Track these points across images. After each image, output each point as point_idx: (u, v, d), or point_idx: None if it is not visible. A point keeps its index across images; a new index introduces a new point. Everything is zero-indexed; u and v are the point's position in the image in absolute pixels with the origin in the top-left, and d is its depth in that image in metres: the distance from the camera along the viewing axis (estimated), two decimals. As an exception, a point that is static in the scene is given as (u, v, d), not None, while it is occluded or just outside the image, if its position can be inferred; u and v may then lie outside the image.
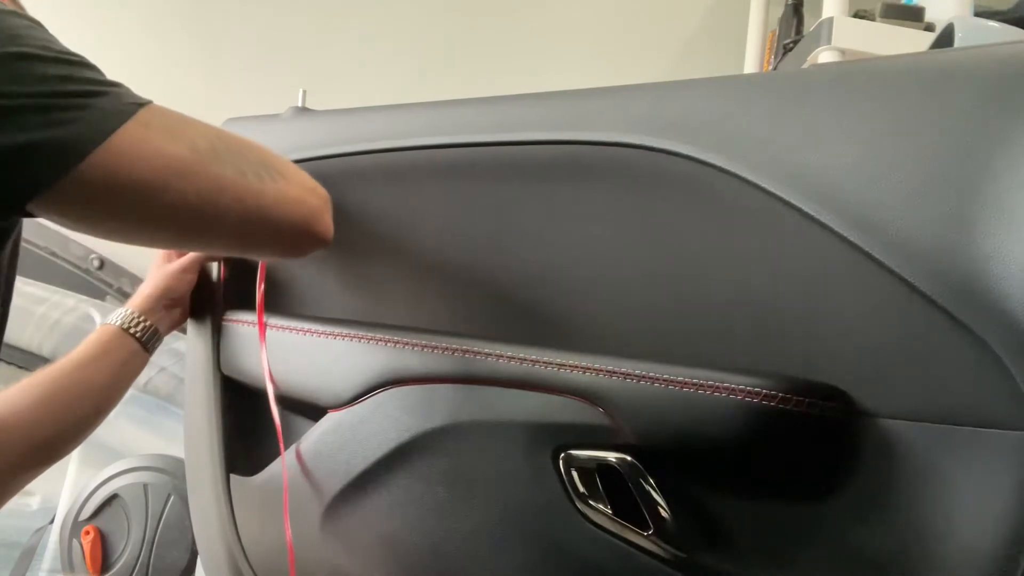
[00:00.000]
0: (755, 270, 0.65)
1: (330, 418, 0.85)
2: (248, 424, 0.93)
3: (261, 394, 0.92)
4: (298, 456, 0.87)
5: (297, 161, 0.83)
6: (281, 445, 0.87)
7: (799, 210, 0.60)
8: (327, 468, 0.84)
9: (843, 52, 1.28)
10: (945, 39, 1.12)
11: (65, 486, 1.57)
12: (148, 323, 0.89)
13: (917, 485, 0.57)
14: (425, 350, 0.77)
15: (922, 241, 0.55)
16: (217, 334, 0.97)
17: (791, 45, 1.51)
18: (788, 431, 0.60)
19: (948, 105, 0.57)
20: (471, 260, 0.83)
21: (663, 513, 0.64)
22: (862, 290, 0.58)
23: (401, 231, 0.87)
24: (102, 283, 1.80)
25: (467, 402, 0.74)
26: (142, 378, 1.52)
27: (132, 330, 0.88)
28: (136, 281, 1.77)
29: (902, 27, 1.29)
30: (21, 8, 0.75)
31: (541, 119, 0.75)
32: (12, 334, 1.63)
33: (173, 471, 1.37)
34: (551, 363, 0.69)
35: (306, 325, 0.87)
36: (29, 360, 1.57)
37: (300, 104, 0.97)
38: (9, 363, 1.61)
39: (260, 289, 0.91)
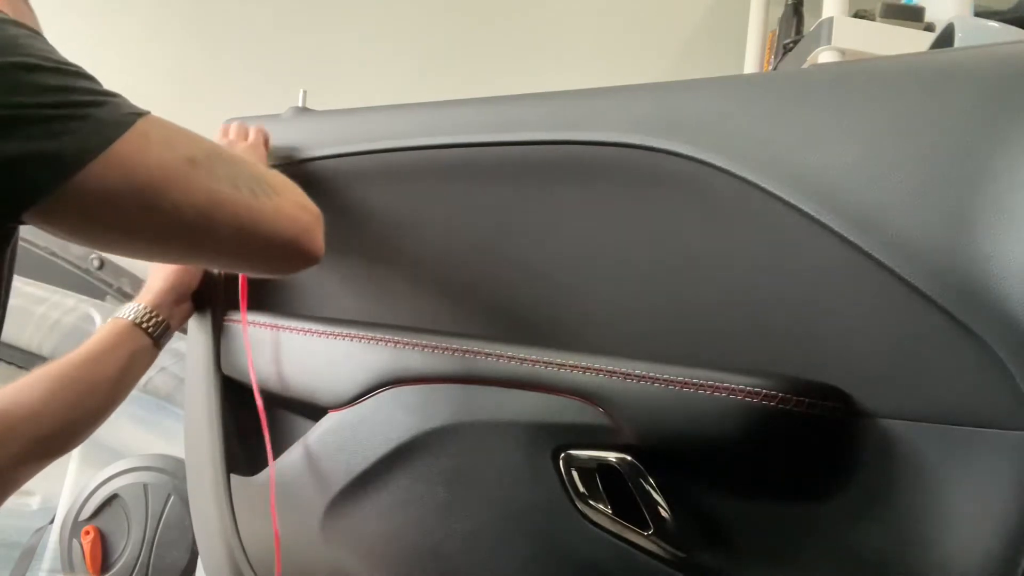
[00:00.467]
0: (755, 270, 0.65)
1: (330, 418, 0.85)
2: (248, 424, 0.93)
3: (262, 393, 0.92)
4: (299, 456, 0.87)
5: (297, 161, 0.83)
6: (268, 444, 0.87)
7: (799, 210, 0.60)
8: (327, 468, 0.84)
9: (843, 52, 1.28)
10: (945, 39, 1.12)
11: (65, 486, 1.58)
12: (160, 318, 0.89)
13: (917, 485, 0.57)
14: (425, 350, 0.77)
15: (922, 241, 0.55)
16: (217, 334, 0.97)
17: (791, 45, 1.51)
18: (788, 431, 0.60)
19: (948, 105, 0.57)
20: (471, 260, 0.83)
21: (663, 513, 0.64)
22: (862, 290, 0.58)
23: (401, 231, 0.87)
24: (102, 283, 1.79)
25: (467, 402, 0.74)
26: (142, 378, 1.52)
27: (144, 325, 0.87)
28: (136, 281, 1.77)
29: (902, 27, 1.29)
30: (31, 12, 0.75)
31: (541, 119, 0.75)
32: (12, 334, 1.63)
33: (173, 471, 1.37)
34: (551, 363, 0.69)
35: (307, 325, 0.87)
36: (29, 360, 1.57)
37: (300, 104, 0.97)
38: (9, 363, 1.61)
39: (243, 286, 0.92)
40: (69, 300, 1.68)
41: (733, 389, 0.60)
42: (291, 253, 0.65)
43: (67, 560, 1.35)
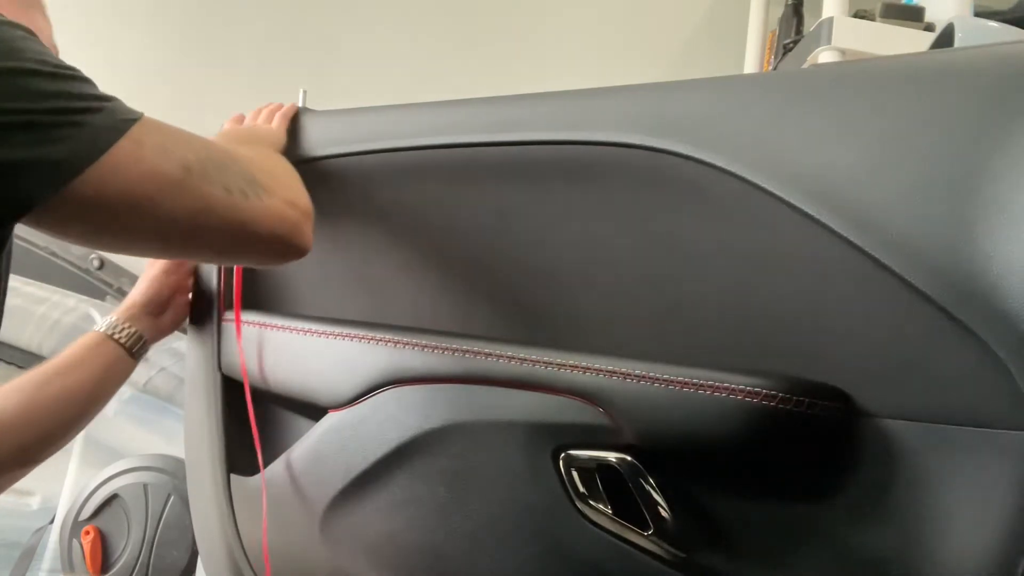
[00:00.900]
0: (755, 270, 0.65)
1: (331, 418, 0.85)
2: (248, 424, 0.93)
3: (262, 394, 0.92)
4: (299, 456, 0.87)
5: (298, 162, 0.83)
6: (257, 446, 0.87)
7: (799, 210, 0.60)
8: (328, 468, 0.84)
9: (843, 52, 1.28)
10: (945, 39, 1.12)
11: (65, 486, 1.58)
12: (133, 329, 0.90)
13: (917, 485, 0.57)
14: (426, 350, 0.77)
15: (922, 241, 0.55)
16: (217, 334, 0.97)
17: (791, 45, 1.51)
18: (788, 431, 0.60)
19: (948, 105, 0.57)
20: (472, 259, 0.83)
21: (663, 513, 0.64)
22: (862, 290, 0.58)
23: (401, 231, 0.87)
24: (102, 283, 1.80)
25: (468, 402, 0.74)
26: (142, 378, 1.52)
27: (116, 336, 0.88)
28: (136, 281, 1.77)
29: (902, 27, 1.29)
30: (48, 25, 0.75)
31: (541, 119, 0.75)
32: (12, 334, 1.63)
33: (173, 471, 1.37)
34: (551, 363, 0.69)
35: (307, 325, 0.87)
36: (29, 360, 1.57)
37: (300, 104, 0.97)
38: (9, 363, 1.61)
39: (237, 284, 0.93)
40: (69, 300, 1.68)
41: (733, 389, 0.60)
42: (280, 249, 0.66)
43: (67, 560, 1.35)
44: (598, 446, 0.67)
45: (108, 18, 2.03)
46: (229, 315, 0.95)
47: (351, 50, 2.16)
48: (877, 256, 0.56)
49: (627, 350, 0.68)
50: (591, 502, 0.67)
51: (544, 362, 0.69)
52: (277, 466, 0.89)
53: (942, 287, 0.54)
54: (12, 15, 0.64)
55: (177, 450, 1.37)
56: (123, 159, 0.54)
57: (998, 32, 1.10)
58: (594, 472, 0.67)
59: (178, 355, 1.52)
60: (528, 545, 0.71)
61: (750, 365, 0.63)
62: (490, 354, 0.72)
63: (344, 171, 0.87)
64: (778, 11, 1.75)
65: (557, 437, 0.69)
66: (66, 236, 0.59)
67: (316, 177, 0.79)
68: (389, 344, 0.79)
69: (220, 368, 0.96)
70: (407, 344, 0.78)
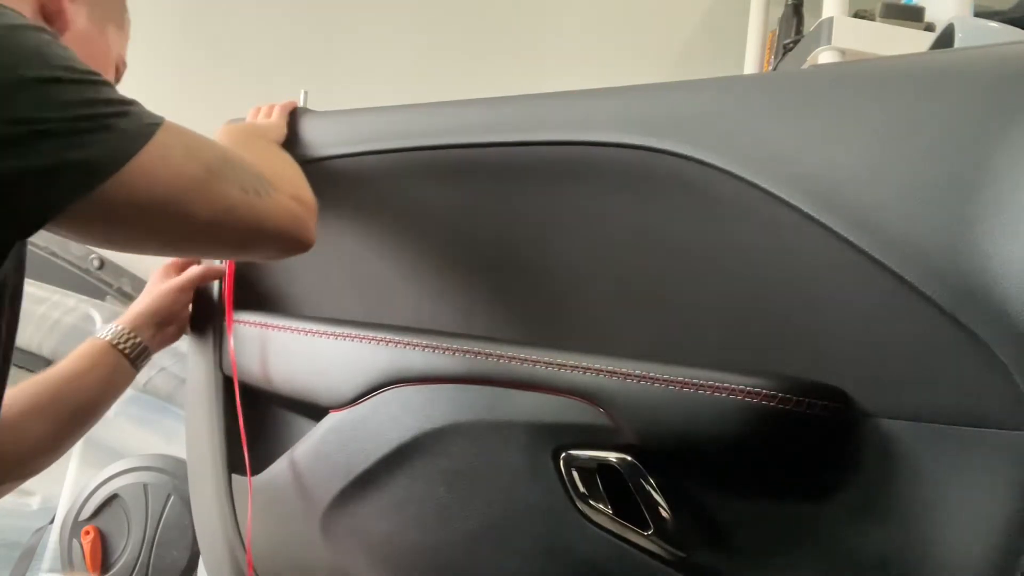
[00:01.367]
0: (755, 271, 0.65)
1: (332, 418, 0.85)
2: (250, 424, 0.93)
3: (263, 394, 0.92)
4: (300, 456, 0.87)
5: (299, 163, 0.83)
6: (245, 447, 0.87)
7: (799, 210, 0.60)
8: (328, 468, 0.84)
9: (843, 52, 1.28)
10: (945, 39, 1.12)
11: (65, 486, 1.58)
12: (138, 340, 0.90)
13: (917, 485, 0.57)
14: (427, 350, 0.77)
15: (922, 241, 0.55)
16: (218, 335, 0.97)
17: (791, 45, 1.51)
18: (788, 431, 0.60)
19: (948, 105, 0.57)
20: (472, 260, 0.83)
21: (663, 513, 0.64)
22: (862, 290, 0.58)
23: (401, 232, 0.87)
24: (102, 283, 1.79)
25: (468, 402, 0.74)
26: (142, 378, 1.52)
27: (121, 346, 0.89)
28: (136, 281, 1.77)
29: (902, 27, 1.29)
30: (120, 22, 0.76)
31: (542, 120, 0.75)
32: (12, 334, 1.63)
33: (173, 471, 1.37)
34: (551, 363, 0.69)
35: (308, 325, 0.87)
36: (29, 360, 1.57)
37: (301, 104, 0.97)
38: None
39: (228, 286, 0.93)
40: (69, 300, 1.68)
41: (733, 389, 0.60)
42: (287, 244, 0.68)
43: (67, 560, 1.34)
44: (598, 446, 0.67)
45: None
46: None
47: (351, 50, 2.16)
48: (877, 256, 0.56)
49: (627, 350, 0.68)
50: (591, 502, 0.67)
51: (544, 362, 0.69)
52: (279, 466, 0.89)
53: (942, 287, 0.54)
54: (83, 28, 0.68)
55: (177, 450, 1.37)
56: (151, 162, 0.55)
57: (998, 32, 1.10)
58: (594, 472, 0.67)
59: (178, 355, 1.52)
60: (528, 545, 0.71)
61: (750, 365, 0.63)
62: (491, 354, 0.72)
63: (344, 172, 0.87)
64: (778, 11, 1.75)
65: (557, 437, 0.69)
66: (87, 238, 0.61)
67: (317, 178, 0.79)
68: (390, 344, 0.79)
69: (221, 368, 0.96)
70: (408, 344, 0.78)
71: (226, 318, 0.95)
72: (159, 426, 1.64)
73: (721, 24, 2.16)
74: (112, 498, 1.36)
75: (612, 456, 0.66)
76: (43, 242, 1.75)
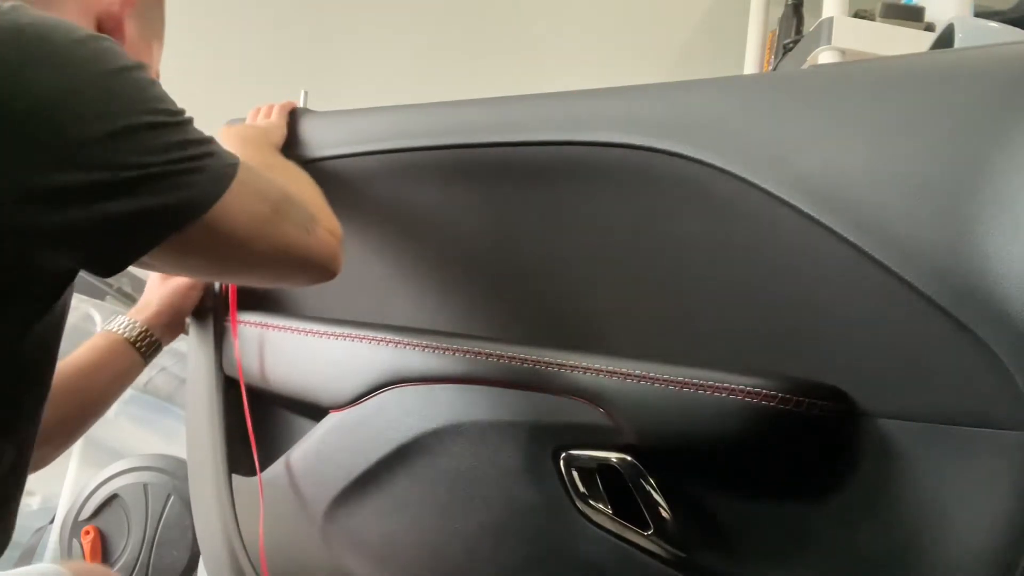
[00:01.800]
0: (755, 270, 0.65)
1: (332, 418, 0.85)
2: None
3: (263, 394, 0.92)
4: (300, 456, 0.87)
5: (301, 163, 0.83)
6: (254, 448, 0.87)
7: (799, 210, 0.60)
8: (329, 468, 0.84)
9: (843, 52, 1.28)
10: (945, 39, 1.12)
11: (65, 486, 1.57)
12: (153, 337, 0.91)
13: (916, 485, 0.57)
14: (427, 350, 0.77)
15: (922, 241, 0.55)
16: (219, 335, 0.97)
17: (791, 45, 1.51)
18: (788, 431, 0.60)
19: (948, 106, 0.57)
20: (472, 260, 0.83)
21: (663, 513, 0.64)
22: (862, 290, 0.58)
23: (401, 232, 0.87)
24: (102, 283, 1.79)
25: (468, 402, 0.74)
26: (142, 378, 1.52)
27: (137, 343, 0.90)
28: (136, 281, 1.77)
29: (902, 27, 1.29)
30: (161, 36, 0.78)
31: (542, 120, 0.75)
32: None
33: (173, 471, 1.37)
34: (551, 363, 0.69)
35: (308, 326, 0.87)
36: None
37: (302, 104, 0.97)
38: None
39: (232, 287, 0.94)
40: (69, 300, 1.68)
41: (733, 389, 0.60)
42: (321, 276, 0.70)
43: (68, 559, 1.34)
44: (598, 446, 0.67)
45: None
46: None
47: (351, 50, 2.16)
48: (877, 256, 0.56)
49: (627, 350, 0.68)
50: (591, 502, 0.67)
51: (545, 362, 0.69)
52: (279, 466, 0.89)
53: (942, 287, 0.54)
54: (136, 44, 0.70)
55: (177, 450, 1.37)
56: (233, 201, 0.58)
57: (998, 32, 1.10)
58: (594, 472, 0.67)
59: (178, 355, 1.52)
60: (529, 545, 0.71)
61: (750, 365, 0.63)
62: (491, 354, 0.72)
63: (345, 172, 0.87)
64: (778, 11, 1.76)
65: (558, 437, 0.69)
66: (155, 267, 0.63)
67: (317, 178, 0.79)
68: (390, 344, 0.79)
69: (222, 369, 0.96)
70: (408, 344, 0.78)
71: (229, 318, 0.96)
72: (159, 426, 1.64)
73: (721, 24, 2.16)
74: (112, 498, 1.35)
75: (612, 456, 0.66)
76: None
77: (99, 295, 1.78)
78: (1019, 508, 0.52)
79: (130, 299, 1.70)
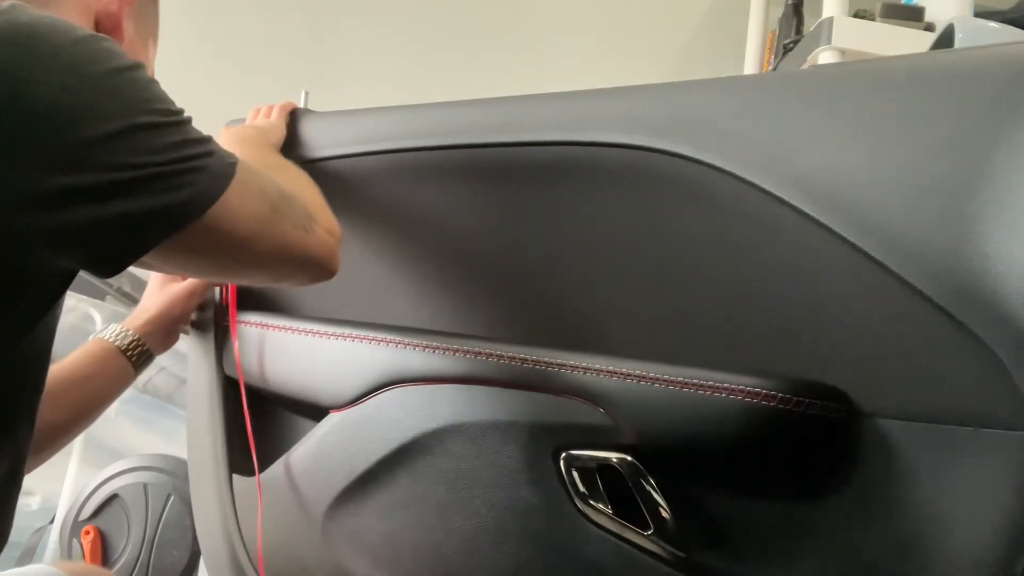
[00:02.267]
0: (755, 271, 0.65)
1: (332, 418, 0.85)
2: (250, 424, 0.93)
3: (263, 394, 0.92)
4: (301, 456, 0.87)
5: (301, 163, 0.83)
6: (253, 449, 0.87)
7: (798, 210, 0.60)
8: (329, 468, 0.84)
9: (843, 52, 1.28)
10: (945, 39, 1.11)
11: (65, 486, 1.58)
12: (145, 347, 0.90)
13: (916, 485, 0.57)
14: (427, 350, 0.77)
15: (922, 241, 0.55)
16: (219, 335, 0.97)
17: (791, 45, 1.51)
18: (788, 431, 0.60)
19: (948, 106, 0.57)
20: (473, 261, 0.83)
21: (663, 513, 0.64)
22: (862, 290, 0.58)
23: (402, 232, 0.87)
24: (102, 283, 1.79)
25: (468, 402, 0.74)
26: (142, 378, 1.52)
27: (129, 353, 0.89)
28: (136, 281, 1.77)
29: (902, 27, 1.29)
30: (157, 36, 0.77)
31: (542, 120, 0.75)
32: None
33: (173, 471, 1.37)
34: (552, 363, 0.69)
35: (309, 326, 0.87)
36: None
37: (302, 105, 0.97)
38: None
39: (232, 287, 0.94)
40: (69, 300, 1.68)
41: (733, 389, 0.60)
42: (320, 275, 0.70)
43: (67, 560, 1.34)
44: (599, 446, 0.67)
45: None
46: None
47: (351, 50, 2.16)
48: (877, 256, 0.57)
49: (627, 350, 0.68)
50: (592, 502, 0.67)
51: (545, 362, 0.69)
52: (279, 466, 0.89)
53: (942, 287, 0.54)
54: (133, 43, 0.70)
55: (177, 450, 1.37)
56: (233, 201, 0.58)
57: (998, 32, 1.10)
58: (594, 472, 0.67)
59: (178, 355, 1.52)
60: (529, 545, 0.71)
61: (750, 365, 0.63)
62: (491, 354, 0.72)
63: (345, 172, 0.87)
64: (778, 11, 1.76)
65: (558, 437, 0.69)
66: (155, 267, 0.63)
67: (317, 178, 0.79)
68: (390, 344, 0.79)
69: (222, 369, 0.96)
70: (408, 344, 0.78)
71: (229, 319, 0.96)
72: (159, 426, 1.64)
73: (721, 24, 2.16)
74: (112, 498, 1.35)
75: (612, 456, 0.66)
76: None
77: (99, 295, 1.78)
78: (1019, 508, 0.52)
79: (130, 299, 1.70)
